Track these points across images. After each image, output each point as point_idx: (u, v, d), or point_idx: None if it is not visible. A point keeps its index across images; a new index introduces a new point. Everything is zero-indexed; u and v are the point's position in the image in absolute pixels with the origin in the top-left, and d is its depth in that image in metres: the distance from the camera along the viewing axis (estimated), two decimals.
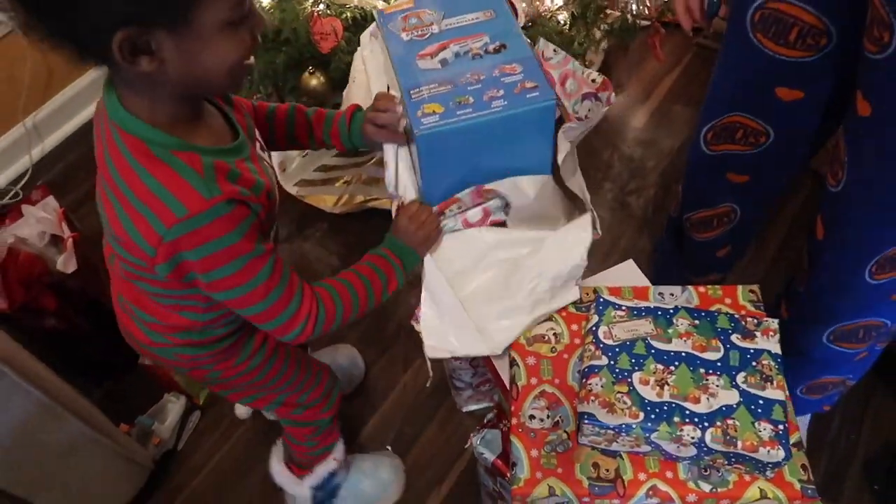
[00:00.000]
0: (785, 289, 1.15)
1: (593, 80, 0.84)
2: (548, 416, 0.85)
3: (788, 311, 1.11)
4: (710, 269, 1.33)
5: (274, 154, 1.75)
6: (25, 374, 0.95)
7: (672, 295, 0.94)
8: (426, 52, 0.86)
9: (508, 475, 0.98)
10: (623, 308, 0.85)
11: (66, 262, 1.34)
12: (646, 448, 0.79)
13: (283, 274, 0.79)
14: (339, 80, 1.44)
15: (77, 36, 0.64)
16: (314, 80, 1.47)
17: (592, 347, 0.82)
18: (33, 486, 1.05)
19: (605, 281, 1.01)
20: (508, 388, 0.89)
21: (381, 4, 1.42)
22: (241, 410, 1.44)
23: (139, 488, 1.29)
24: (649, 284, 1.02)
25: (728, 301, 0.92)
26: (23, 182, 1.90)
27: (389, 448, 1.38)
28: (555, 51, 0.87)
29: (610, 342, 0.82)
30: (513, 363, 0.90)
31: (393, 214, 0.92)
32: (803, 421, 1.34)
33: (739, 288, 0.94)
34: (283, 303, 0.79)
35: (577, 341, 0.91)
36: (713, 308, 0.90)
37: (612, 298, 0.87)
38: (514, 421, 0.85)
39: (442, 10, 0.91)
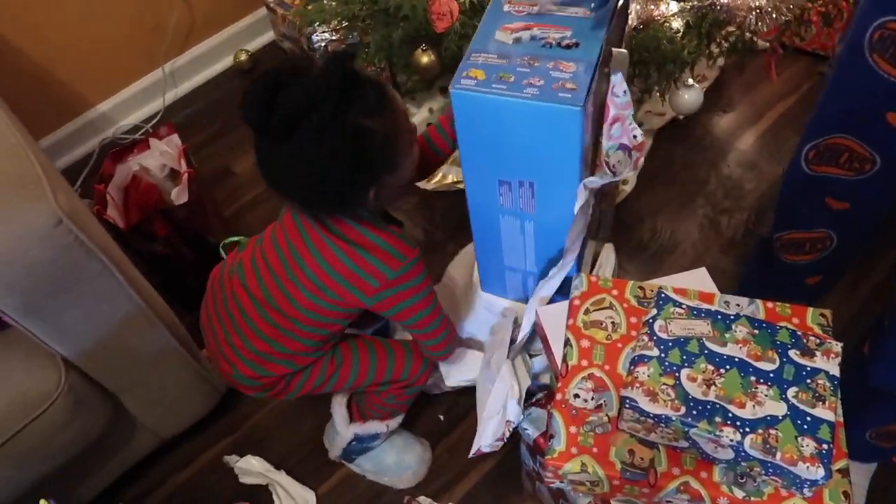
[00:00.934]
0: (871, 326, 1.11)
1: (634, 136, 0.86)
2: (592, 398, 0.87)
3: (871, 348, 1.08)
4: (795, 296, 1.29)
5: None
6: (131, 281, 1.07)
7: (738, 305, 0.94)
8: (509, 27, 0.90)
9: None
10: (683, 306, 0.86)
11: (179, 194, 1.48)
12: (683, 444, 0.80)
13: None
14: (448, 59, 1.50)
15: (344, 200, 0.93)
16: (425, 58, 1.53)
17: (646, 338, 0.84)
18: (121, 384, 1.17)
19: (673, 283, 1.02)
20: (560, 366, 0.92)
21: None
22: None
23: (210, 409, 1.41)
24: (717, 292, 1.02)
25: (795, 321, 0.91)
26: (153, 122, 2.08)
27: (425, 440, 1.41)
28: (624, 92, 0.89)
29: (664, 336, 0.84)
30: (567, 342, 0.92)
31: None
32: (868, 469, 1.29)
33: (810, 310, 0.92)
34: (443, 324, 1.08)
35: (634, 333, 0.93)
36: (781, 324, 0.90)
37: (673, 296, 0.88)
38: (557, 396, 0.88)
39: None
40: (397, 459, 1.34)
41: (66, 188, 0.98)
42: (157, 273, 1.50)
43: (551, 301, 1.10)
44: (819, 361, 0.81)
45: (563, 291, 1.09)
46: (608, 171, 0.88)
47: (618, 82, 0.88)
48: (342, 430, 1.28)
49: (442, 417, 1.45)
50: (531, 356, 1.13)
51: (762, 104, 1.95)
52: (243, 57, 2.18)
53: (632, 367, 0.83)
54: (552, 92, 0.84)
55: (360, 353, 1.14)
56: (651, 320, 0.86)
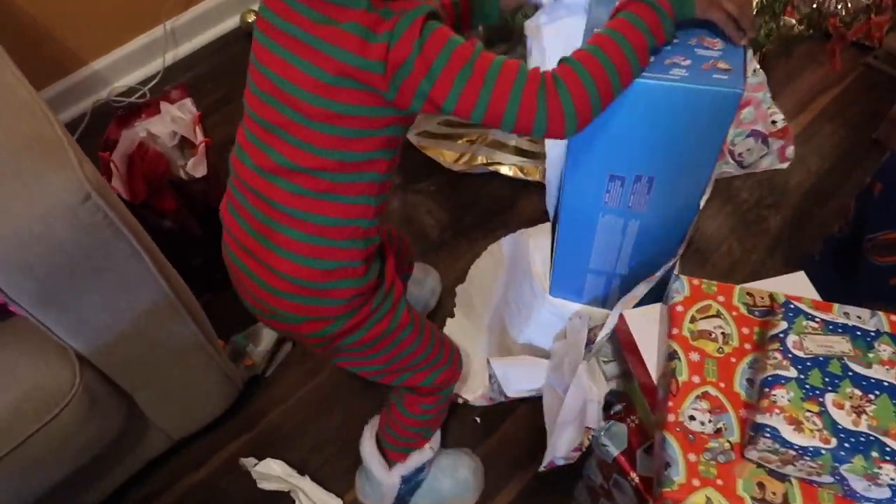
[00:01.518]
0: None
1: (773, 122, 0.75)
2: (709, 421, 0.77)
3: None
4: (881, 299, 1.20)
5: None
6: (160, 267, 0.93)
7: (859, 317, 0.84)
8: None
9: (632, 474, 0.91)
10: (817, 320, 0.76)
11: (195, 166, 1.33)
12: (826, 479, 0.70)
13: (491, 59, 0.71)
14: None
15: None
16: None
17: (779, 356, 0.74)
18: (137, 381, 1.03)
19: (775, 288, 0.92)
20: (665, 381, 0.81)
21: None
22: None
23: (228, 406, 1.27)
24: (819, 298, 0.92)
25: None
26: (151, 84, 1.91)
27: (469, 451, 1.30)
28: (755, 71, 0.77)
29: (800, 354, 0.73)
30: (673, 355, 0.82)
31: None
32: None
33: None
34: (502, 89, 0.71)
35: (748, 346, 0.82)
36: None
37: (804, 307, 0.78)
38: (670, 418, 0.77)
39: None
40: (453, 481, 1.20)
41: (85, 157, 0.83)
42: (162, 251, 1.35)
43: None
44: None
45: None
46: (731, 161, 0.77)
47: (748, 58, 0.77)
48: (385, 478, 1.13)
49: (478, 420, 1.33)
50: (604, 362, 1.02)
51: (805, 95, 1.86)
52: (251, 17, 2.01)
53: (765, 390, 0.72)
54: (703, 73, 0.72)
55: (414, 322, 0.96)
56: (782, 335, 0.75)
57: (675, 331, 0.84)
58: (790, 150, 0.76)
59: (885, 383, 0.71)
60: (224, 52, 2.01)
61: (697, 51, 0.74)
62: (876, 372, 0.72)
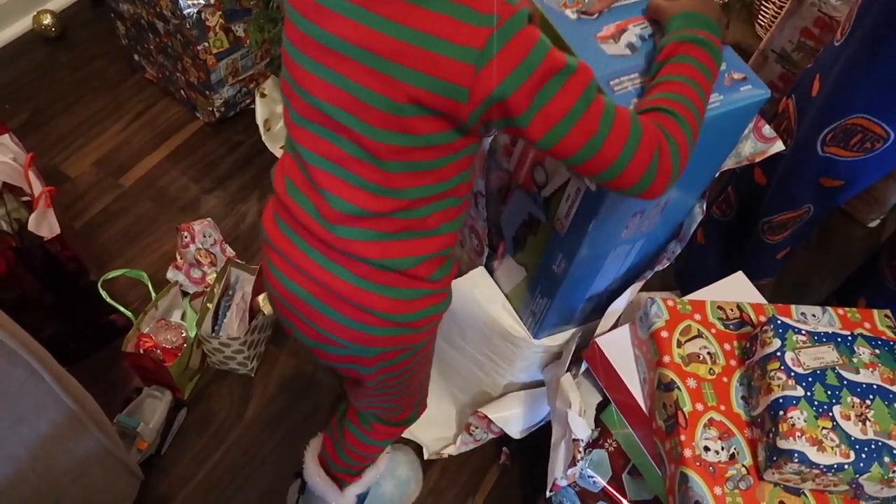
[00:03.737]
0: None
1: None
2: (722, 448, 0.77)
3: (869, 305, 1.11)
4: (767, 273, 1.30)
5: (258, 111, 1.52)
6: (56, 377, 0.72)
7: (814, 316, 0.89)
8: (605, 35, 0.72)
9: (624, 501, 0.90)
10: (804, 332, 0.79)
11: (38, 223, 1.07)
12: (842, 488, 0.73)
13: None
14: None
15: None
16: None
17: (783, 376, 0.75)
18: None
19: (719, 295, 0.95)
20: (668, 412, 0.80)
21: None
22: None
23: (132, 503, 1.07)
24: (764, 301, 0.97)
25: (867, 325, 0.89)
26: None
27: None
28: None
29: (800, 370, 0.75)
30: (671, 385, 0.80)
31: None
32: None
33: (875, 312, 0.90)
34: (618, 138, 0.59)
35: (733, 363, 0.84)
36: (857, 332, 0.86)
37: (789, 321, 0.80)
38: (687, 453, 0.76)
39: None
40: (395, 482, 1.16)
41: None
42: None
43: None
44: None
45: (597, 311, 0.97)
46: None
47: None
48: (339, 500, 1.04)
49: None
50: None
51: None
52: (47, 20, 1.68)
53: (780, 413, 0.73)
54: (731, 89, 0.71)
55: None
56: (779, 353, 0.77)
57: (666, 358, 0.82)
58: (766, 129, 0.76)
59: (875, 386, 0.76)
60: (18, 64, 1.65)
61: None
62: (864, 376, 0.76)
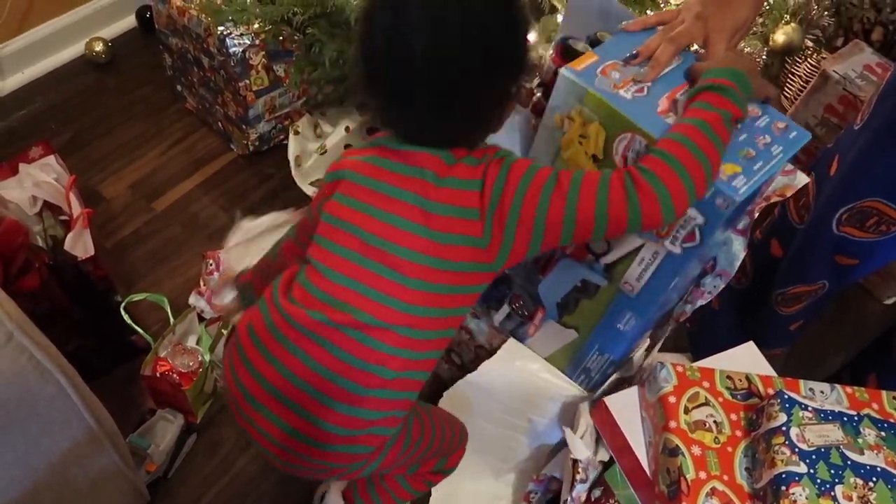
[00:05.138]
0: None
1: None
2: None
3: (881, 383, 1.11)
4: (780, 343, 1.31)
5: (290, 147, 1.58)
6: (82, 395, 0.75)
7: (822, 393, 0.90)
8: (664, 109, 0.76)
9: None
10: (810, 409, 0.80)
11: (75, 244, 1.11)
12: None
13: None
14: None
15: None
16: None
17: (787, 451, 0.76)
18: None
19: (728, 363, 0.96)
20: (672, 478, 0.81)
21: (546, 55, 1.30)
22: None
23: None
24: (773, 373, 0.98)
25: (875, 406, 0.89)
26: None
27: None
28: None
29: (805, 447, 0.76)
30: (676, 451, 0.81)
31: None
32: None
33: (884, 394, 0.91)
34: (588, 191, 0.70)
35: (739, 433, 0.84)
36: (864, 412, 0.87)
37: (796, 397, 0.81)
38: None
39: (622, 59, 0.81)
40: None
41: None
42: None
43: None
44: None
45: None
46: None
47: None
48: None
49: None
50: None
51: None
52: (99, 47, 1.75)
53: (782, 488, 0.74)
54: (783, 139, 0.77)
55: (432, 413, 0.95)
56: (784, 428, 0.78)
57: (672, 423, 0.84)
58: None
59: (879, 469, 0.76)
60: (66, 87, 1.73)
61: (757, 124, 0.78)
62: (868, 458, 0.77)
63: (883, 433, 0.79)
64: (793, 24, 1.41)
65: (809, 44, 1.62)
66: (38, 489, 0.75)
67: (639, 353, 1.05)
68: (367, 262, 0.69)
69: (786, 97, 1.92)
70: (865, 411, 0.88)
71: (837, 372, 1.29)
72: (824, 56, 1.62)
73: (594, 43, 0.91)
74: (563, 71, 0.77)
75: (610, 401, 0.93)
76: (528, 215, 0.69)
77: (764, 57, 1.40)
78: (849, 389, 0.91)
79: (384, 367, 0.71)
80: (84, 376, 1.15)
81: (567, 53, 0.90)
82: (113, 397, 1.16)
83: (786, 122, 0.80)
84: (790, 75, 1.87)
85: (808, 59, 1.71)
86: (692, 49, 0.85)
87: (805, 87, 1.72)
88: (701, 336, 1.40)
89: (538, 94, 1.01)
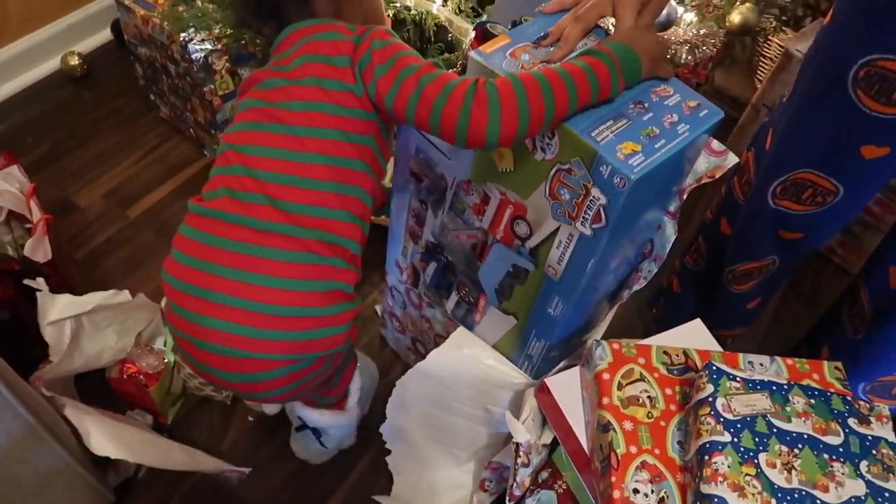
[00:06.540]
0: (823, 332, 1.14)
1: None
2: (652, 491, 0.77)
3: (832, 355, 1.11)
4: (739, 323, 1.31)
5: None
6: (13, 389, 0.77)
7: (762, 365, 0.90)
8: None
9: None
10: (738, 379, 0.80)
11: (34, 249, 1.14)
12: None
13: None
14: None
15: None
16: None
17: (712, 421, 0.76)
18: None
19: (674, 341, 0.96)
20: (604, 453, 0.81)
21: (435, 5, 1.33)
22: (270, 408, 1.27)
23: None
24: (719, 348, 0.98)
25: (816, 377, 0.89)
26: None
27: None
28: None
29: (730, 416, 0.76)
30: (608, 426, 0.82)
31: None
32: None
33: (825, 364, 0.90)
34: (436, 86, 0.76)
35: (673, 407, 0.84)
36: (804, 382, 0.87)
37: (725, 367, 0.81)
38: (616, 494, 0.77)
39: (533, 41, 0.82)
40: (367, 376, 1.29)
41: None
42: None
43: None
44: (876, 428, 0.78)
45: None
46: None
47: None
48: (345, 418, 1.16)
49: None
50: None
51: None
52: (74, 60, 1.79)
53: (705, 457, 0.74)
54: (692, 117, 0.76)
55: None
56: (711, 398, 0.78)
57: (605, 400, 0.84)
58: (715, 143, 0.80)
59: (805, 435, 0.76)
60: (43, 101, 1.77)
61: (666, 103, 0.77)
62: (795, 425, 0.77)
63: (813, 400, 0.79)
64: (748, 4, 1.40)
65: (773, 24, 1.62)
66: None
67: (590, 341, 1.05)
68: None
69: (759, 80, 1.92)
70: (805, 381, 0.88)
71: (795, 346, 1.28)
72: (789, 36, 1.62)
73: (516, 27, 0.92)
74: (471, 53, 0.78)
75: (551, 382, 0.93)
76: (382, 89, 0.78)
77: (721, 38, 1.39)
78: (789, 361, 0.90)
79: (300, 225, 0.79)
80: None
81: (486, 38, 0.91)
82: (84, 400, 1.20)
83: (697, 101, 0.79)
84: (761, 57, 1.86)
85: (775, 40, 1.70)
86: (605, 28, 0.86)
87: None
88: (665, 321, 1.40)
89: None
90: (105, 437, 0.90)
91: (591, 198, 0.75)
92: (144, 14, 1.49)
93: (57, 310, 1.03)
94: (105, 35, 1.89)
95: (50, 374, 1.02)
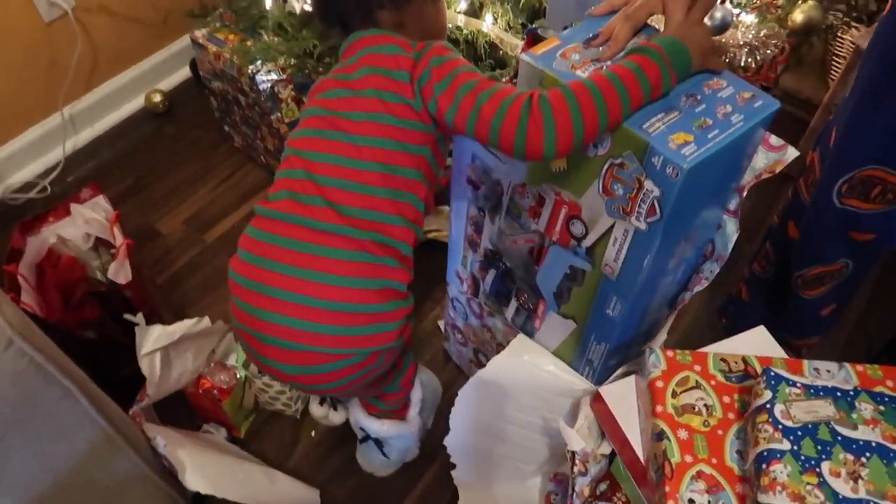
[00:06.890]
0: None
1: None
2: (709, 502, 0.75)
3: None
4: (813, 331, 1.25)
5: None
6: (95, 402, 0.83)
7: (829, 371, 0.85)
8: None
9: None
10: (798, 385, 0.76)
11: (117, 272, 1.22)
12: None
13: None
14: None
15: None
16: None
17: (770, 428, 0.73)
18: None
19: (735, 348, 0.93)
20: (658, 462, 0.79)
21: (460, 20, 1.36)
22: (319, 411, 1.29)
23: None
24: (783, 354, 0.94)
25: (890, 384, 0.84)
26: (51, 177, 1.77)
27: None
28: None
29: (789, 424, 0.73)
30: (661, 435, 0.80)
31: None
32: None
33: None
34: (494, 102, 0.78)
35: (731, 416, 0.82)
36: (876, 389, 0.82)
37: (784, 373, 0.78)
38: None
39: (583, 41, 0.82)
40: (429, 390, 1.32)
41: (3, 296, 0.74)
42: (83, 365, 1.23)
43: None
44: None
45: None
46: None
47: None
48: (406, 429, 1.19)
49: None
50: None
51: None
52: (157, 98, 1.92)
53: (763, 466, 0.71)
54: (747, 108, 0.75)
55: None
56: (769, 405, 0.75)
57: (658, 408, 0.82)
58: (773, 139, 0.78)
59: (874, 444, 0.72)
60: (129, 137, 1.90)
61: (720, 94, 0.76)
62: (862, 433, 0.73)
63: (882, 407, 0.75)
64: (811, 2, 1.35)
65: (843, 20, 1.55)
66: (63, 488, 0.83)
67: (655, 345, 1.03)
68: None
69: (832, 80, 1.83)
70: (878, 388, 0.83)
71: (876, 356, 1.21)
72: (861, 32, 1.55)
73: (566, 29, 0.93)
74: (522, 56, 0.80)
75: (605, 391, 0.92)
76: (443, 106, 0.80)
77: (784, 39, 1.35)
78: (860, 367, 0.86)
79: (355, 227, 0.82)
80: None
81: (537, 42, 0.92)
82: (165, 415, 1.28)
83: (752, 92, 0.78)
84: (833, 57, 1.79)
85: (846, 37, 1.63)
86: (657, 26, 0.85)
87: None
88: (735, 330, 1.34)
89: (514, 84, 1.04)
90: (198, 473, 0.98)
91: (644, 191, 0.74)
92: (216, 50, 1.58)
93: (150, 342, 1.10)
94: (184, 73, 2.02)
95: (144, 405, 1.10)
